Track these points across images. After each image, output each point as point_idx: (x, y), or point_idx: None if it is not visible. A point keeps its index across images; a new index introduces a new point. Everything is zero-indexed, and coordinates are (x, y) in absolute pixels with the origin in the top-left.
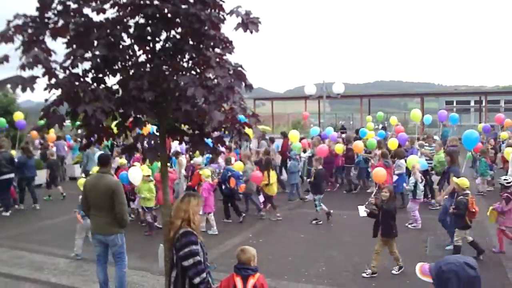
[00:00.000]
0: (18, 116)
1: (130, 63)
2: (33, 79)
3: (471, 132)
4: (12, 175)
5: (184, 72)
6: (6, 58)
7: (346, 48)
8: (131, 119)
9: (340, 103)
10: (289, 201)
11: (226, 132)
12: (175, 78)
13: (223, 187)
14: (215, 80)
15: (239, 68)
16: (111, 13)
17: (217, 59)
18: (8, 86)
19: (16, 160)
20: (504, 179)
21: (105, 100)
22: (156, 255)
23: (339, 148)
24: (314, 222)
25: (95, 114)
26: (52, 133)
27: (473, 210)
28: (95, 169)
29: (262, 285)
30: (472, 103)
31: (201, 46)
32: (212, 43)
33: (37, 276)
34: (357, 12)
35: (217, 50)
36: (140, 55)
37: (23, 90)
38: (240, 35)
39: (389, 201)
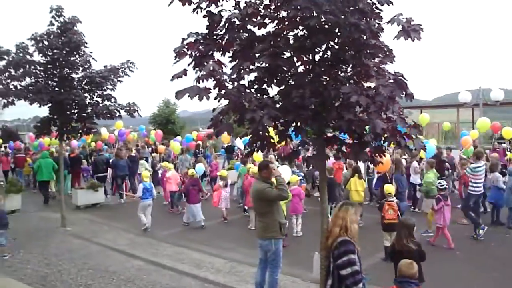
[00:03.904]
0: (119, 125)
1: (290, 73)
2: (207, 90)
3: None
4: (106, 173)
5: (343, 82)
6: (184, 72)
7: (506, 50)
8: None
9: (495, 111)
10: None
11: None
12: (335, 87)
13: None
14: (374, 90)
15: (400, 77)
16: (271, 27)
17: (375, 68)
18: (187, 95)
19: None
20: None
21: (271, 108)
22: (307, 262)
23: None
24: None
25: (262, 120)
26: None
27: None
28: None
29: None
30: None
31: (361, 55)
32: (372, 52)
33: (196, 273)
34: None
35: (378, 59)
36: (299, 66)
37: (200, 99)
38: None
39: None
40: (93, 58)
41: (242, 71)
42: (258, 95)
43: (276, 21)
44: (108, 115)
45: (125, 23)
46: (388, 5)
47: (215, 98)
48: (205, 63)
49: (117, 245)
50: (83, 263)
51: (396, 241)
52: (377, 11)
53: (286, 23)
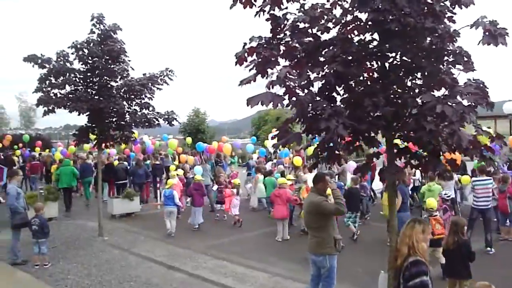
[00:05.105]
0: (135, 135)
1: (356, 80)
2: (280, 96)
3: None
4: (126, 180)
5: (415, 89)
6: (253, 78)
7: None
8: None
9: None
10: None
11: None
12: (411, 95)
13: None
14: (453, 98)
15: (481, 85)
16: (334, 32)
17: (451, 76)
18: (260, 102)
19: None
20: None
21: (344, 116)
22: (355, 278)
23: None
24: None
25: (337, 129)
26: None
27: None
28: None
29: None
30: None
31: (440, 62)
32: (453, 59)
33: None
34: None
35: (459, 66)
36: (366, 72)
37: (275, 106)
38: None
39: None
40: (131, 67)
41: (311, 77)
42: (326, 102)
43: (339, 26)
44: (147, 124)
45: (149, 32)
46: (461, 8)
47: (287, 105)
48: (269, 69)
49: (156, 256)
50: (124, 275)
51: (447, 238)
52: (449, 14)
53: (350, 27)
